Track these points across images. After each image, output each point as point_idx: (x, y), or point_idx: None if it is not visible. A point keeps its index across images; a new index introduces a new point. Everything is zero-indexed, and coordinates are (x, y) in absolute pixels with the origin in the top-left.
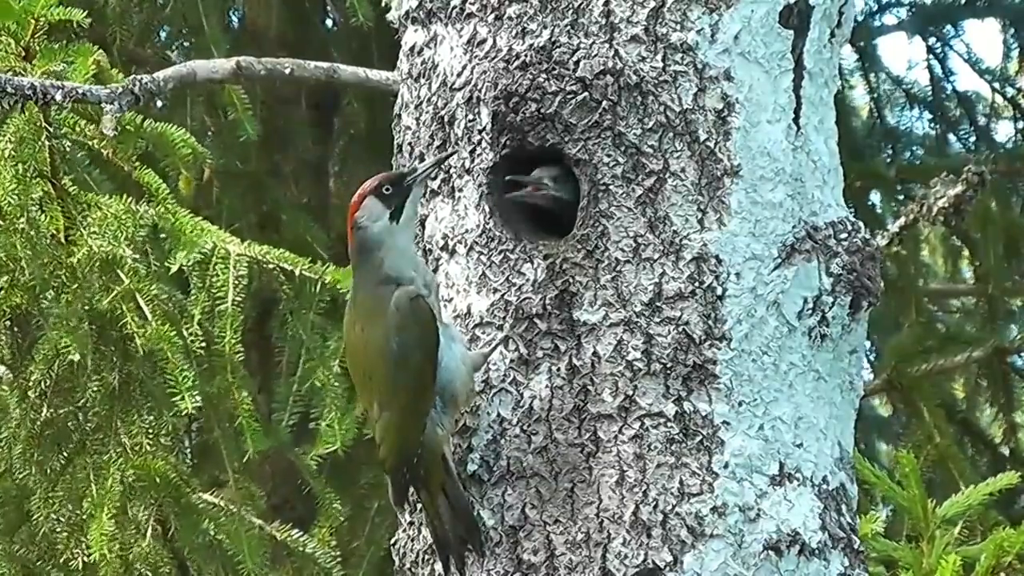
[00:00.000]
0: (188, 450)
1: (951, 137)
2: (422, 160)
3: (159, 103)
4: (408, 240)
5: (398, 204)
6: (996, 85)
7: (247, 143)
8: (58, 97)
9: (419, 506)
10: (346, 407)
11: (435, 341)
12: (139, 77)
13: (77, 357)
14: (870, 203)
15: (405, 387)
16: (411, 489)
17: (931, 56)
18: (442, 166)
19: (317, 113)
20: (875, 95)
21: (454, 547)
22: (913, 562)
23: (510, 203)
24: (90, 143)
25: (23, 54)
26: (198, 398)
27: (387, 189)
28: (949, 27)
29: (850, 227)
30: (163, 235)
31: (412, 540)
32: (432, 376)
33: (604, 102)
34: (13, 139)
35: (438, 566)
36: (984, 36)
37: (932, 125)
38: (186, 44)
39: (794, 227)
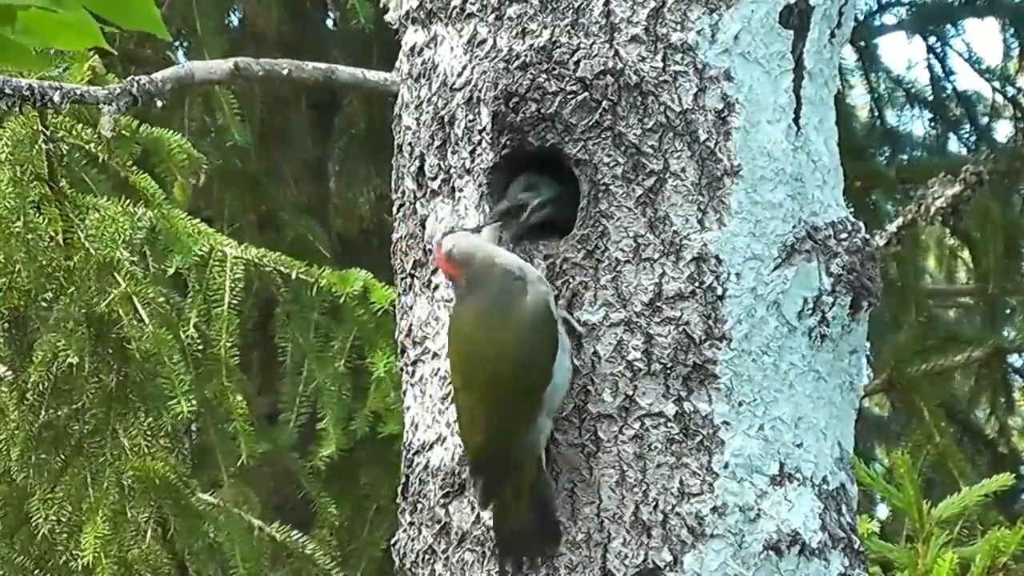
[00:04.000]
0: (188, 451)
1: (951, 137)
2: (422, 160)
3: (159, 103)
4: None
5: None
6: (996, 85)
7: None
8: (56, 98)
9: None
10: (349, 408)
11: (556, 346)
12: (137, 78)
13: (75, 359)
14: (870, 203)
15: (525, 389)
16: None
17: (931, 56)
18: (443, 167)
19: (316, 113)
20: (875, 95)
21: (524, 548)
22: (909, 563)
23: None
24: (87, 146)
25: None
26: (194, 401)
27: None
28: (949, 26)
29: (850, 227)
30: (160, 238)
31: (412, 540)
32: (548, 379)
33: (604, 102)
34: (10, 142)
35: (438, 566)
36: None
37: (932, 125)
38: (186, 44)
39: (794, 227)
